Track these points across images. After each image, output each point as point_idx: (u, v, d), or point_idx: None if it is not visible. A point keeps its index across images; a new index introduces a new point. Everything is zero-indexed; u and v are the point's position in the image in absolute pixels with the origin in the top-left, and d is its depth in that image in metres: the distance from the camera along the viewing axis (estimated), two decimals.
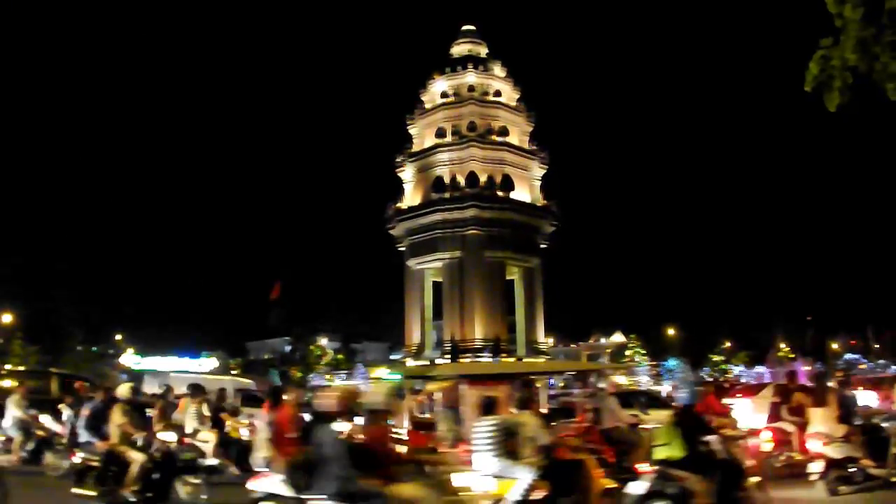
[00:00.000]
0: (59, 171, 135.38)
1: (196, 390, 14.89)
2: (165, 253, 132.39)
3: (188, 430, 13.87)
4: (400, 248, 70.11)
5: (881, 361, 60.06)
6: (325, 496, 7.01)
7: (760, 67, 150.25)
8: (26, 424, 15.94)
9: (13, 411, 15.83)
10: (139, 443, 10.84)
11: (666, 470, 8.30)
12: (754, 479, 9.15)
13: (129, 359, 63.20)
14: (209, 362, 65.48)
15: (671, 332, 77.41)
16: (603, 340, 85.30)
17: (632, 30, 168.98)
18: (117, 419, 10.80)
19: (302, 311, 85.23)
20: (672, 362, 62.90)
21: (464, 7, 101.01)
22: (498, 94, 70.03)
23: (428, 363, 62.64)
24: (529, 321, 68.82)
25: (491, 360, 59.05)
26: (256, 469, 10.11)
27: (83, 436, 11.21)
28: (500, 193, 65.75)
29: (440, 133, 68.32)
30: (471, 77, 69.13)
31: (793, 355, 68.63)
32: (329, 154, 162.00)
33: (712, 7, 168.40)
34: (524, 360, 62.85)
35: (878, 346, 70.14)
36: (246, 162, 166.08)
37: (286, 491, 7.98)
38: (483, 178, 65.20)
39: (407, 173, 69.88)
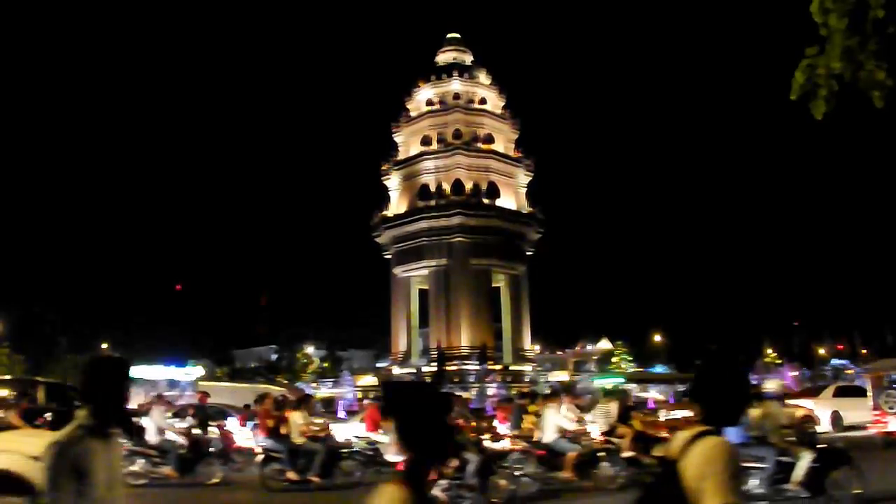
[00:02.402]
0: (46, 180, 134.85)
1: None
2: (152, 262, 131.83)
3: (604, 428, 14.92)
4: (386, 256, 70.20)
5: (868, 366, 60.22)
6: None
7: (745, 76, 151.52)
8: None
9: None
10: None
11: None
12: None
13: None
14: (196, 371, 64.95)
15: (658, 338, 77.52)
16: (589, 347, 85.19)
17: (618, 35, 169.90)
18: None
19: (288, 318, 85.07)
20: (659, 369, 63.02)
21: (449, 15, 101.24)
22: (483, 101, 70.27)
23: (414, 371, 62.66)
24: (516, 328, 69.01)
25: (479, 366, 59.18)
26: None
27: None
28: (485, 201, 66.02)
29: (426, 141, 68.50)
30: (456, 85, 69.37)
31: (780, 361, 68.82)
32: (315, 162, 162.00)
33: (698, 17, 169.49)
34: (511, 367, 63.02)
35: (865, 351, 70.34)
36: (232, 170, 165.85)
37: None
38: (469, 186, 65.46)
39: (393, 181, 69.99)
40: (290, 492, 14.00)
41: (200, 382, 34.16)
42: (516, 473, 12.96)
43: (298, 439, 14.59)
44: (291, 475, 14.18)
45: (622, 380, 40.36)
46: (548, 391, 21.16)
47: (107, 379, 3.35)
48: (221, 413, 21.01)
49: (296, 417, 15.00)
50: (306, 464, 14.30)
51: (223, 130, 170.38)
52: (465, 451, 11.97)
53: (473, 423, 16.40)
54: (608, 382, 42.83)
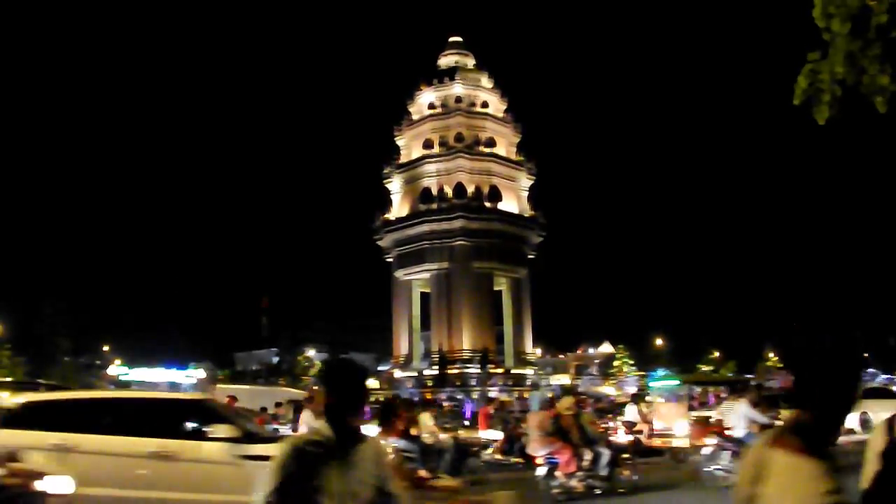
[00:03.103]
0: (47, 182, 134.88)
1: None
2: (153, 264, 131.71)
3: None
4: (388, 259, 70.13)
5: (870, 370, 59.98)
6: None
7: (748, 81, 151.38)
8: None
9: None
10: None
11: None
12: None
13: (117, 370, 62.79)
14: (197, 373, 65.05)
15: (659, 342, 77.38)
16: (591, 351, 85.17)
17: (621, 39, 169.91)
18: None
19: (289, 321, 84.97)
20: (660, 373, 63.02)
21: (451, 18, 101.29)
22: (485, 105, 70.18)
23: (415, 374, 62.69)
24: (517, 332, 68.89)
25: (480, 370, 59.11)
26: None
27: None
28: (487, 204, 65.95)
29: (427, 144, 68.41)
30: (458, 88, 69.26)
31: (781, 364, 68.63)
32: (316, 165, 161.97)
33: (701, 21, 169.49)
34: (513, 370, 62.98)
35: (867, 354, 70.13)
36: (233, 172, 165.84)
37: None
38: (470, 189, 65.38)
39: (394, 184, 69.91)
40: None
41: (220, 385, 34.35)
42: (711, 468, 13.86)
43: (428, 439, 15.13)
44: (422, 473, 14.63)
45: (678, 382, 42.87)
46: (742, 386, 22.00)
47: (346, 385, 3.06)
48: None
49: (425, 418, 15.71)
50: (436, 462, 14.76)
51: (225, 133, 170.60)
52: (597, 445, 13.24)
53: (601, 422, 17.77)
54: (667, 384, 45.65)
